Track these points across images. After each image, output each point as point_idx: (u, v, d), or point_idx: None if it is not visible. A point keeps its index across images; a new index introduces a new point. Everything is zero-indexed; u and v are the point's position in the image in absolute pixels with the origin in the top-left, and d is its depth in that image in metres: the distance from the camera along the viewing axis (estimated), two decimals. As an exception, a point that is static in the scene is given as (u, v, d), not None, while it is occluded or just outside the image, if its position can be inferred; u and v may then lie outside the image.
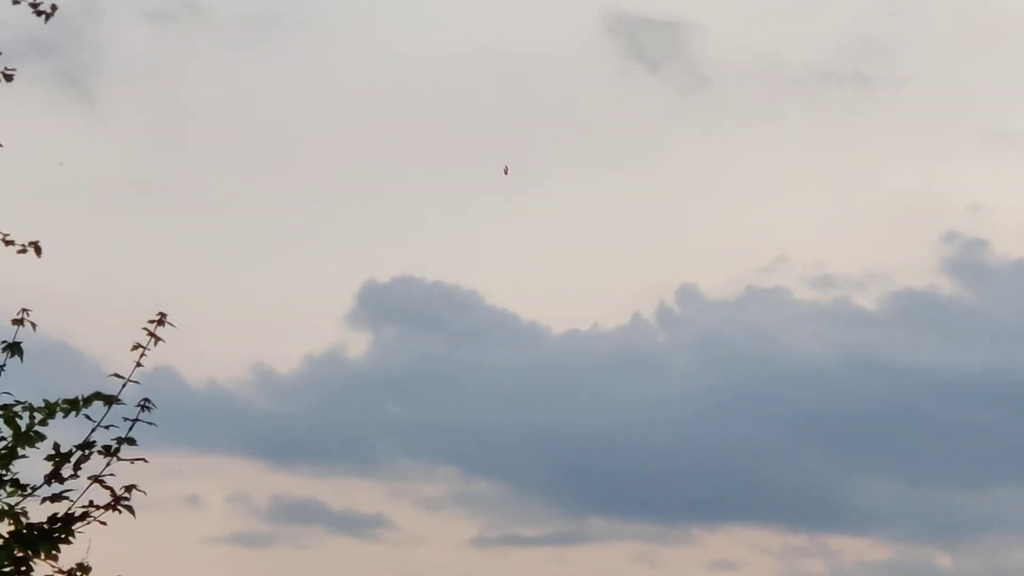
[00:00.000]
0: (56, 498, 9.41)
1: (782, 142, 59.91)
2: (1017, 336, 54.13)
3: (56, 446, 9.48)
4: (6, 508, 9.26)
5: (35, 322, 9.63)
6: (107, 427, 9.53)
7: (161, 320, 9.70)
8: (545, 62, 59.02)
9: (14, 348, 9.61)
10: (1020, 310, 55.25)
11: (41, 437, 9.48)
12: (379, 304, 55.58)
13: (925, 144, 61.36)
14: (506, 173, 30.83)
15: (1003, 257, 56.65)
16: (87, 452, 9.49)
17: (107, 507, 9.43)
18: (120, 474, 9.52)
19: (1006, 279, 55.51)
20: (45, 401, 9.50)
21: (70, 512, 9.41)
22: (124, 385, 9.58)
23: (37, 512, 9.40)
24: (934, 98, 60.64)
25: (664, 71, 59.20)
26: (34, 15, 10.28)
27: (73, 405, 9.53)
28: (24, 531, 9.31)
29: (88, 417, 9.53)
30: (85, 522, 9.43)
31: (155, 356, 9.70)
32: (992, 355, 52.89)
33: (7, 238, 9.83)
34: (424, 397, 53.53)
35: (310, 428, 52.76)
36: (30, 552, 9.30)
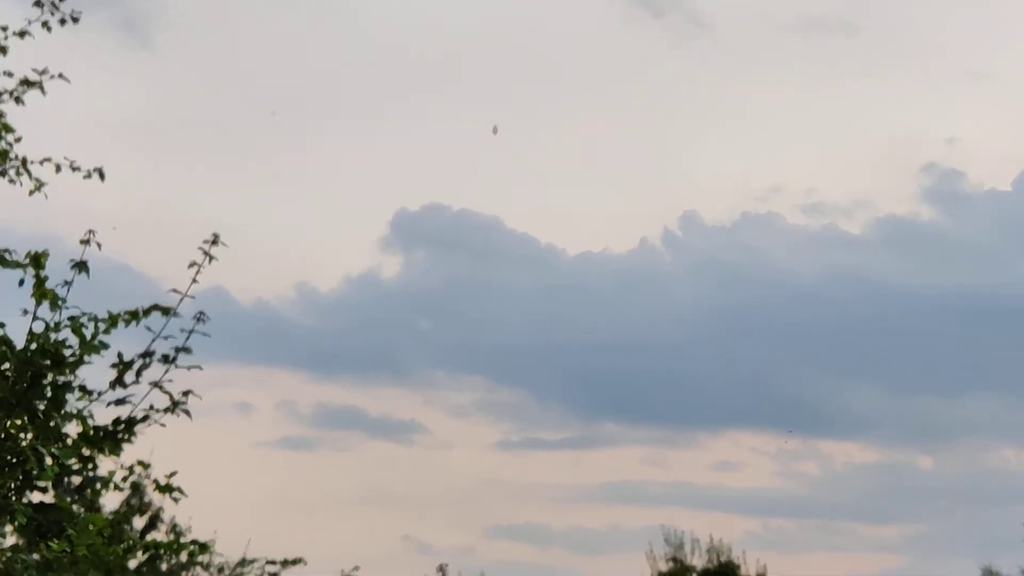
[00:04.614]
0: (119, 402, 9.83)
1: (776, 83, 62.04)
2: (989, 258, 56.14)
3: (120, 355, 10.02)
4: (74, 412, 9.69)
5: (100, 242, 10.21)
6: (166, 338, 10.07)
7: (215, 240, 10.27)
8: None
9: (81, 266, 10.17)
10: (992, 234, 57.37)
11: (105, 346, 9.97)
12: (410, 230, 58.03)
13: (906, 84, 63.56)
14: (495, 133, 31.81)
15: (977, 186, 58.98)
16: (147, 360, 10.00)
17: (166, 410, 9.93)
18: (177, 381, 10.08)
19: (980, 206, 57.78)
20: (108, 312, 10.08)
21: (132, 415, 9.89)
22: (181, 300, 10.14)
23: (102, 415, 9.75)
24: (914, 42, 62.61)
25: (667, 19, 60.94)
26: None
27: (134, 316, 10.01)
28: (90, 432, 9.72)
29: (148, 328, 10.11)
30: (146, 424, 9.99)
31: (208, 276, 10.21)
32: (967, 275, 54.93)
33: (74, 164, 10.42)
34: (452, 314, 56.11)
35: (349, 342, 55.59)
36: (96, 450, 9.90)
